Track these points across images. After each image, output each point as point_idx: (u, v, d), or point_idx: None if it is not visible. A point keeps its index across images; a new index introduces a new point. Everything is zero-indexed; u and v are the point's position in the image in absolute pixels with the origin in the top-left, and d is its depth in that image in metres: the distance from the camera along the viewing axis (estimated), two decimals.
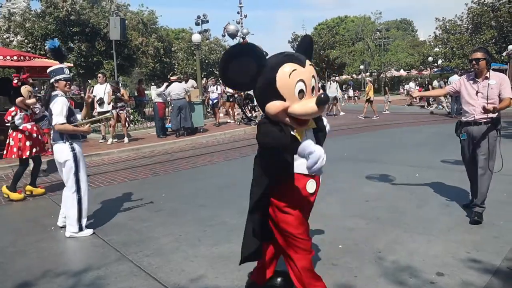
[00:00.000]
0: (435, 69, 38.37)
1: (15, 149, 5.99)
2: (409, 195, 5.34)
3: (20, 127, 6.03)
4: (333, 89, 18.91)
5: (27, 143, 6.02)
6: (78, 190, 4.38)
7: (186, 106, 12.03)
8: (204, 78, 22.06)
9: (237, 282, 3.16)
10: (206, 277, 3.27)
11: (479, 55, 4.34)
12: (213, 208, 5.10)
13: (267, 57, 2.45)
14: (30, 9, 19.68)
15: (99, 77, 11.43)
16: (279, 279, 2.99)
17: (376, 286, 3.03)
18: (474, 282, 3.02)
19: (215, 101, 15.70)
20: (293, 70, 2.29)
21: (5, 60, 11.10)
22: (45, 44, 4.64)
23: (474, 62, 4.35)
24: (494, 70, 4.64)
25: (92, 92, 9.97)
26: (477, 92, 4.38)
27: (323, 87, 20.23)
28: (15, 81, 6.14)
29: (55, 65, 4.58)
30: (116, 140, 11.22)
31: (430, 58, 34.93)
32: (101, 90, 10.94)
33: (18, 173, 6.05)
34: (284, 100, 2.31)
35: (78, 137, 4.50)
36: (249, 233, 2.72)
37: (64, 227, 4.52)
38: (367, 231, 4.13)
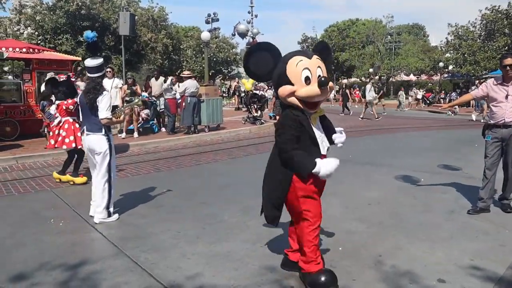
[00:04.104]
0: (445, 75, 38.06)
1: (67, 140, 6.26)
2: (413, 200, 5.26)
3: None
4: (372, 92, 18.15)
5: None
6: (109, 179, 4.61)
7: (197, 103, 12.00)
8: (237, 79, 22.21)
9: (233, 282, 3.10)
10: (203, 275, 3.22)
11: (511, 61, 4.45)
12: (214, 206, 5.06)
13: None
14: (41, 2, 19.76)
15: (108, 72, 11.40)
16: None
17: None
18: None
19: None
20: (299, 61, 2.79)
21: (14, 52, 11.16)
22: (83, 35, 4.76)
23: (508, 68, 4.45)
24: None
25: None
26: (507, 96, 4.50)
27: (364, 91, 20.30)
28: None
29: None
30: (126, 135, 11.23)
31: (441, 64, 34.65)
32: (108, 85, 10.91)
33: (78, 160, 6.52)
34: (293, 85, 2.79)
35: (111, 129, 4.76)
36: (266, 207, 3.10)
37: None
38: (368, 235, 4.06)
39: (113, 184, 4.67)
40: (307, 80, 2.77)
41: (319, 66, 2.83)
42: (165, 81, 12.95)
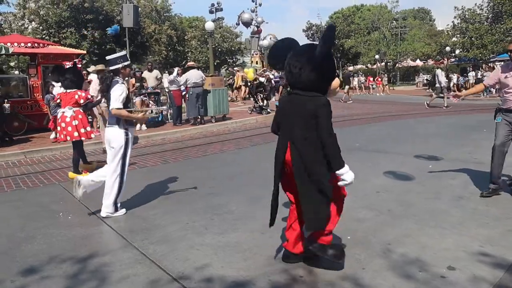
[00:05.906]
0: (453, 59, 37.60)
1: (83, 130, 6.21)
2: (421, 187, 5.22)
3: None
4: (443, 78, 16.77)
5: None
6: (121, 174, 4.53)
7: (202, 93, 11.88)
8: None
9: (243, 272, 3.10)
10: (211, 266, 3.22)
11: None
12: (222, 197, 5.06)
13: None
14: None
15: None
16: (331, 251, 3.04)
17: (384, 279, 2.94)
18: (485, 278, 2.91)
19: None
20: None
21: (19, 47, 11.19)
22: (107, 30, 4.78)
23: (510, 53, 4.49)
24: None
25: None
26: None
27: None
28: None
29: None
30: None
31: (448, 48, 34.19)
32: None
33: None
34: None
35: (133, 123, 4.68)
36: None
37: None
38: (377, 223, 4.04)
39: (125, 180, 4.59)
40: None
41: None
42: (170, 73, 12.94)
